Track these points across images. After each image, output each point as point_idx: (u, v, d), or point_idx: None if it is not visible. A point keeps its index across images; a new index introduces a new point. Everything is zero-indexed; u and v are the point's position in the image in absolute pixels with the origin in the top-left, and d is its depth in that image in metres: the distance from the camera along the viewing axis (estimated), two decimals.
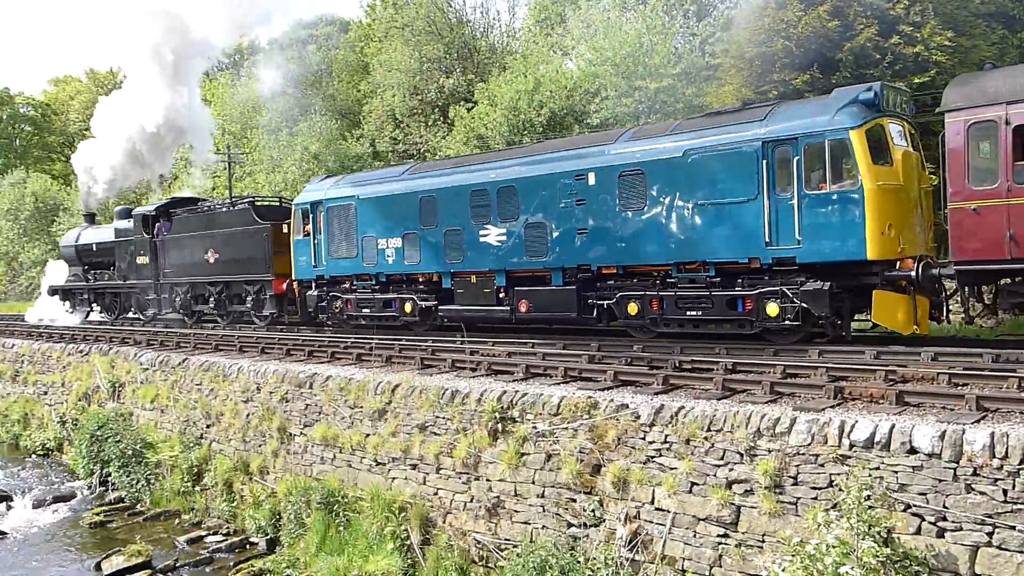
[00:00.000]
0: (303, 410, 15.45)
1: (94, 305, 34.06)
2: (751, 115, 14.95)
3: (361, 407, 14.21)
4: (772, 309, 14.14)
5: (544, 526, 11.08)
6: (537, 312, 17.79)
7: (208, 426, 17.78)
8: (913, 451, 8.35)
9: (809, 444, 9.01)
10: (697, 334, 15.70)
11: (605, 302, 16.66)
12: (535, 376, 13.48)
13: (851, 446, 8.74)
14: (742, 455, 9.44)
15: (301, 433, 15.34)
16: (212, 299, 27.41)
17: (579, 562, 10.44)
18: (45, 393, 24.87)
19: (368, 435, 13.88)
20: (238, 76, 58.27)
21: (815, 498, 8.82)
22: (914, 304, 13.44)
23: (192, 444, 17.75)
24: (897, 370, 10.92)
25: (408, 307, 20.47)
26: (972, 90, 12.56)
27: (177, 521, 17.12)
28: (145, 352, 21.84)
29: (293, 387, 15.87)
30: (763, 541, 9.09)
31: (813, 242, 13.72)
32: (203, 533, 16.15)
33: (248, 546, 15.28)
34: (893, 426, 8.61)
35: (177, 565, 14.59)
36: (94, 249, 33.19)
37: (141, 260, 29.95)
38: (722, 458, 9.59)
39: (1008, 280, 12.67)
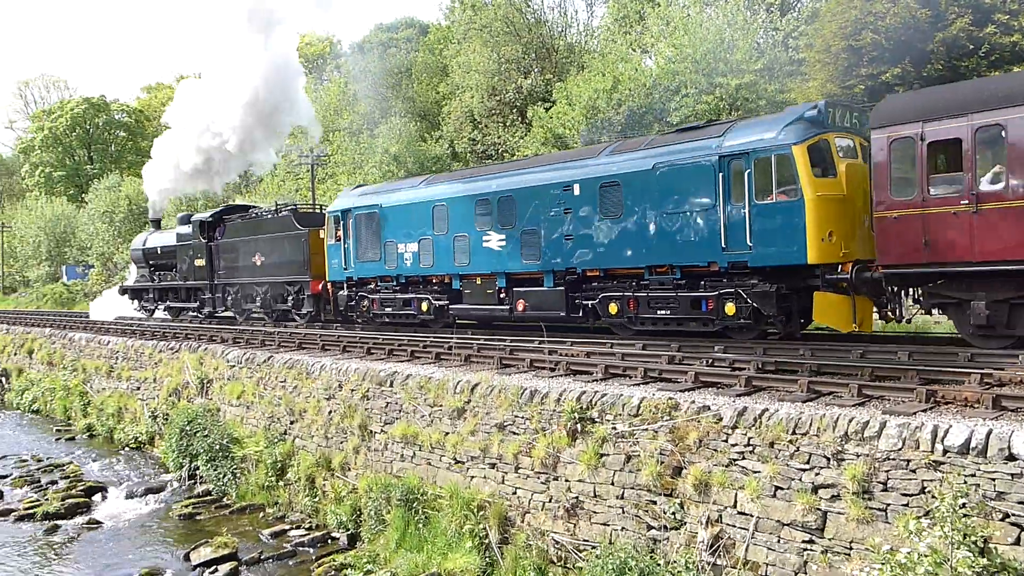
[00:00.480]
0: (383, 408, 15.64)
1: (159, 304, 36.68)
2: (711, 131, 16.33)
3: (440, 406, 14.32)
4: (730, 308, 15.54)
5: (624, 528, 10.97)
6: (532, 311, 19.35)
7: (292, 422, 18.16)
8: (1012, 458, 7.99)
9: (900, 449, 8.71)
10: (668, 332, 16.80)
11: (590, 302, 18.14)
12: (614, 376, 13.38)
13: (945, 452, 8.41)
14: (829, 459, 9.18)
15: (381, 431, 15.53)
16: (259, 298, 29.59)
17: (659, 565, 10.30)
18: (138, 388, 25.75)
19: (447, 433, 13.97)
20: (320, 81, 59.45)
21: (906, 505, 8.52)
22: (853, 304, 14.47)
23: (276, 440, 18.15)
24: (994, 373, 10.49)
25: (424, 306, 22.39)
26: (893, 108, 13.56)
27: (262, 515, 17.51)
28: (232, 350, 22.43)
29: (374, 385, 16.08)
30: (851, 548, 8.82)
31: (762, 247, 14.94)
32: (286, 527, 16.48)
33: (330, 541, 15.53)
34: (990, 432, 8.26)
35: (262, 558, 14.91)
36: (159, 252, 35.53)
37: (199, 263, 32.40)
38: (807, 462, 9.34)
39: (933, 283, 13.49)
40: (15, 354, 36.87)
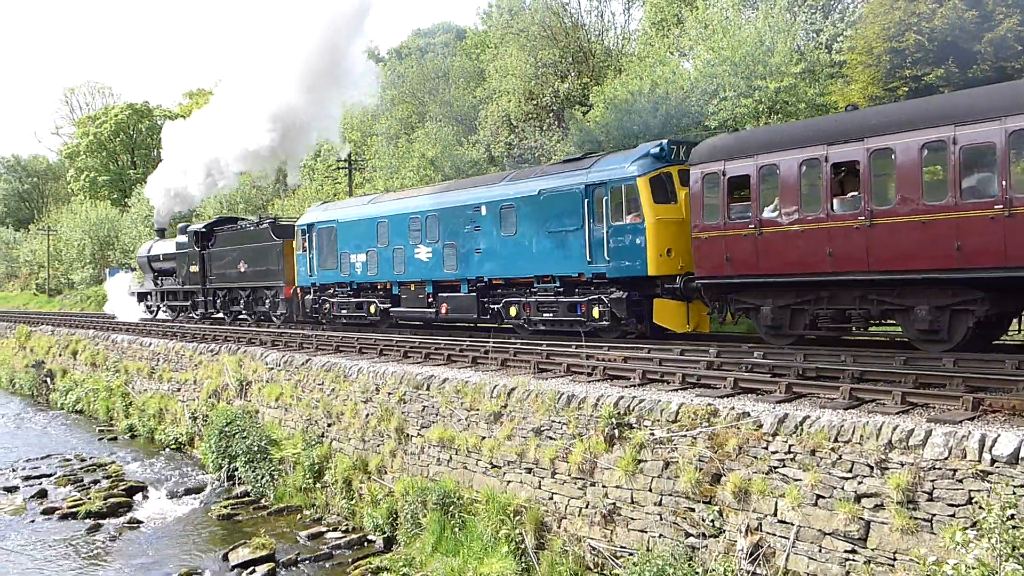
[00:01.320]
0: (420, 411, 15.67)
1: (161, 305, 40.39)
2: (583, 164, 19.40)
3: (477, 410, 14.30)
4: (596, 312, 18.61)
5: (661, 535, 10.86)
6: (453, 313, 22.74)
7: (329, 425, 18.25)
8: None
9: (946, 458, 8.51)
10: (555, 331, 19.76)
11: (496, 306, 21.38)
12: (652, 382, 13.29)
13: (993, 461, 8.20)
14: (872, 468, 9.00)
15: (418, 434, 15.55)
16: (242, 301, 33.31)
17: (697, 573, 10.18)
18: (178, 390, 26.09)
19: (484, 438, 13.95)
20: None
21: (952, 515, 8.33)
22: (687, 309, 17.65)
23: (313, 442, 18.26)
24: None
25: (372, 308, 26.04)
26: (705, 149, 16.66)
27: (299, 516, 17.63)
28: (270, 352, 22.62)
29: (411, 389, 16.11)
30: (895, 559, 8.64)
31: (616, 262, 18.08)
32: (323, 529, 16.57)
33: (366, 543, 15.59)
34: None
35: (299, 559, 15.00)
36: (161, 259, 39.21)
37: (193, 269, 35.81)
38: (850, 470, 9.18)
39: (735, 291, 16.32)
40: (60, 355, 37.55)
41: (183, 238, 36.69)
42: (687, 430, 10.91)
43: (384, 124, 46.59)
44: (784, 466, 9.78)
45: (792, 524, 9.50)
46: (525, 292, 20.55)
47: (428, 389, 15.71)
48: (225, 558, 15.25)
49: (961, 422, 9.08)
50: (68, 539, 17.06)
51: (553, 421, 12.81)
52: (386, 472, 16.11)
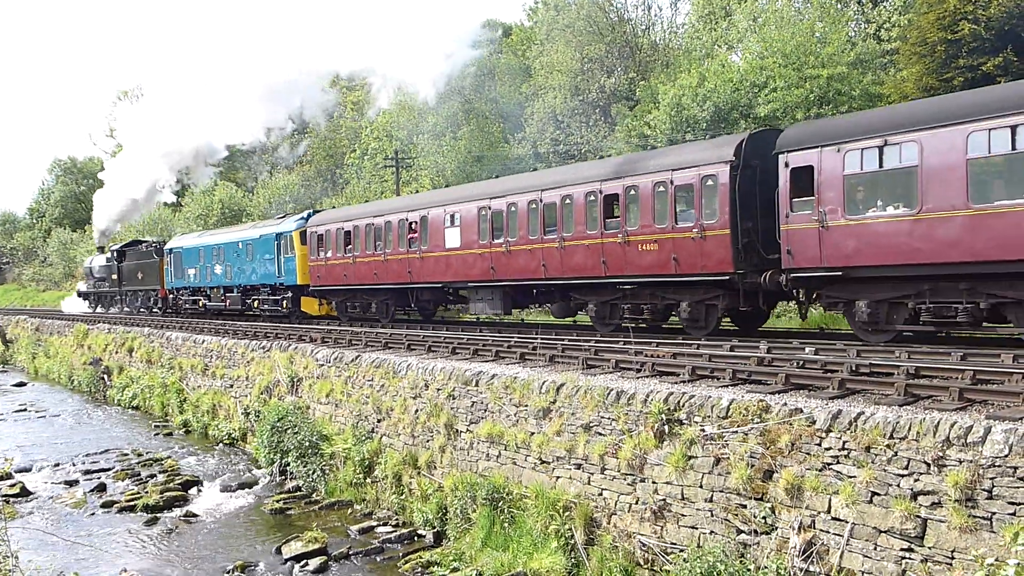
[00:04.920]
0: (469, 407, 15.74)
1: (97, 304, 56.71)
2: (279, 221, 34.83)
3: (526, 406, 14.33)
4: (284, 304, 33.40)
5: (712, 531, 10.80)
6: (232, 306, 37.84)
7: (379, 421, 18.43)
8: None
9: (1006, 455, 8.33)
10: (273, 317, 35.48)
11: (250, 300, 36.25)
12: (702, 378, 13.20)
13: None
14: (929, 465, 8.84)
15: (467, 430, 15.63)
16: (139, 299, 48.81)
17: (749, 570, 10.10)
18: (231, 386, 26.53)
19: (533, 433, 13.98)
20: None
21: (1013, 514, 8.15)
22: (319, 303, 32.47)
23: (364, 438, 18.44)
24: None
25: (200, 303, 41.26)
26: (313, 219, 32.24)
27: (350, 511, 17.83)
28: (321, 349, 22.89)
29: (460, 384, 16.19)
30: (952, 558, 8.48)
31: (286, 277, 32.85)
32: (374, 524, 16.74)
33: (416, 538, 15.71)
34: None
35: (350, 553, 15.17)
36: (97, 269, 54.86)
37: (114, 277, 51.25)
38: (906, 467, 9.03)
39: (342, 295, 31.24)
40: (116, 352, 38.40)
41: (109, 254, 52.64)
42: (738, 426, 10.82)
43: (431, 122, 46.79)
44: (838, 463, 9.66)
45: (846, 521, 9.37)
46: (260, 292, 35.40)
47: (477, 385, 15.78)
48: (278, 551, 15.47)
49: (1022, 419, 8.87)
50: (127, 531, 17.46)
51: (602, 417, 12.79)
52: (435, 467, 16.22)
